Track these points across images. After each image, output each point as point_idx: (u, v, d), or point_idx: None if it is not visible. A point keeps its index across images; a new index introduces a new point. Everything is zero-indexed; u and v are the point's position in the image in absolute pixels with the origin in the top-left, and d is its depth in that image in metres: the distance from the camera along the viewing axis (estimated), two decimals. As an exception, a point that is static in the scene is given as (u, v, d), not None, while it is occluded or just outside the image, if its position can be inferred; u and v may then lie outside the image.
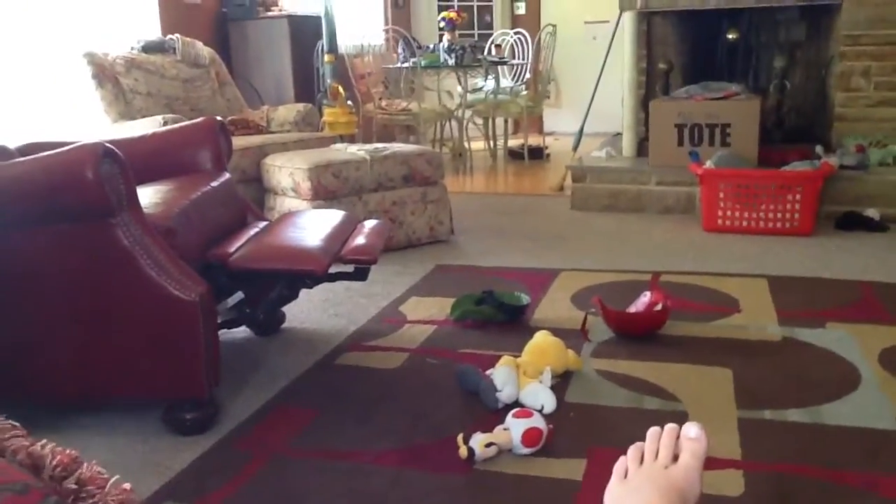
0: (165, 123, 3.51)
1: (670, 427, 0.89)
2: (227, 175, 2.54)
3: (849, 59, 4.28)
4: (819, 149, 4.21)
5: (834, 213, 3.91)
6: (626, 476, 0.86)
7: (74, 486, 0.73)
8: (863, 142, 4.19)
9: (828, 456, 1.73)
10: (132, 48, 4.34)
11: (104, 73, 3.98)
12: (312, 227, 2.28)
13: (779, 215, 3.73)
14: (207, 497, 1.65)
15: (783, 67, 4.97)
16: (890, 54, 4.21)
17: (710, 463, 1.66)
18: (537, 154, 6.50)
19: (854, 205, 3.93)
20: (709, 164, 3.94)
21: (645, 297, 2.54)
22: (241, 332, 2.62)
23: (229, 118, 4.23)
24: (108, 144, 1.87)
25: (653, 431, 0.91)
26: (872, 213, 3.86)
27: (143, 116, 3.93)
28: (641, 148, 4.73)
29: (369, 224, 2.42)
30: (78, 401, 2.09)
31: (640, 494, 0.83)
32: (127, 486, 0.75)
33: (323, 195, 3.39)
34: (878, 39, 4.21)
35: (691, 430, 0.88)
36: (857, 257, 3.34)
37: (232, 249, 2.11)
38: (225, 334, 2.60)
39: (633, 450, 0.90)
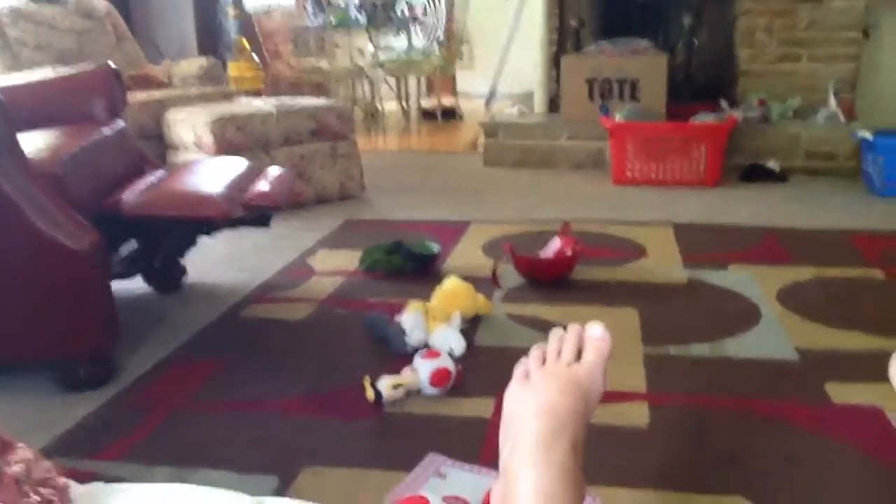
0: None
1: (573, 326, 0.88)
2: (122, 123, 2.41)
3: (753, 15, 4.37)
4: (724, 103, 4.30)
5: (739, 166, 4.01)
6: (527, 378, 0.84)
7: None
8: (765, 96, 4.30)
9: (732, 387, 1.77)
10: (19, -2, 4.08)
11: (-12, 23, 3.73)
12: (213, 173, 2.19)
13: (685, 167, 3.80)
14: (101, 452, 1.57)
15: (691, 25, 5.04)
16: (791, 11, 4.31)
17: (616, 396, 1.69)
18: (450, 115, 6.46)
19: (757, 157, 4.04)
20: (618, 117, 3.98)
21: (554, 244, 2.55)
22: (141, 287, 2.51)
23: (129, 73, 4.04)
24: (-18, 83, 1.74)
25: (555, 332, 0.89)
26: (774, 164, 3.98)
27: (31, 69, 3.70)
28: (553, 105, 4.74)
29: (273, 171, 2.34)
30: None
31: (540, 393, 0.81)
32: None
33: (227, 149, 3.27)
34: (782, -5, 4.31)
35: (595, 329, 0.87)
36: (759, 206, 3.44)
37: (126, 197, 2.01)
38: (123, 291, 2.49)
39: (535, 350, 0.87)
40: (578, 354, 0.85)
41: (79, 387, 1.84)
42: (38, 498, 0.59)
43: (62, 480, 0.64)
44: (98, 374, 1.86)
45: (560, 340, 0.87)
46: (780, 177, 3.90)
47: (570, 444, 0.77)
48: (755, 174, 3.93)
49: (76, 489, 0.66)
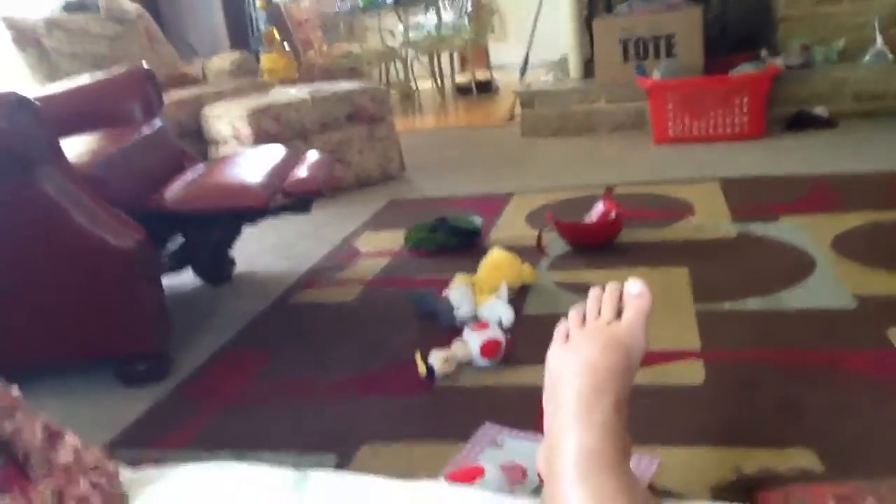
0: (94, 81, 3.37)
1: (612, 285, 0.86)
2: (160, 123, 2.45)
3: (789, -42, 4.23)
4: (764, 52, 4.18)
5: (784, 115, 3.90)
6: (567, 339, 0.83)
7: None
8: (807, 41, 4.17)
9: (788, 338, 1.73)
10: (52, 9, 4.15)
11: (25, 36, 3.81)
12: (251, 163, 2.21)
13: (728, 120, 3.72)
14: (164, 441, 1.61)
15: (724, -25, 4.90)
16: (829, -50, 4.17)
17: (671, 355, 1.67)
18: (486, 88, 6.41)
19: (803, 104, 3.92)
20: (655, 75, 3.90)
21: (598, 208, 2.52)
22: (193, 282, 2.55)
23: (163, 73, 4.09)
24: (21, 94, 1.77)
25: (594, 291, 0.87)
26: (821, 110, 3.86)
27: (70, 78, 3.77)
28: (588, 69, 4.67)
29: (312, 156, 2.35)
30: (26, 369, 1.99)
31: (581, 353, 0.79)
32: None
33: (265, 140, 3.29)
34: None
35: (634, 286, 0.85)
36: (807, 154, 3.34)
37: (168, 194, 2.03)
38: (176, 286, 2.54)
39: (574, 311, 0.86)
40: (619, 313, 0.84)
41: (138, 382, 1.88)
42: (87, 483, 0.60)
43: (112, 465, 0.65)
44: (155, 368, 1.90)
45: (598, 300, 0.86)
46: (828, 123, 3.79)
47: (613, 403, 0.75)
48: (802, 122, 3.82)
49: (127, 474, 0.67)
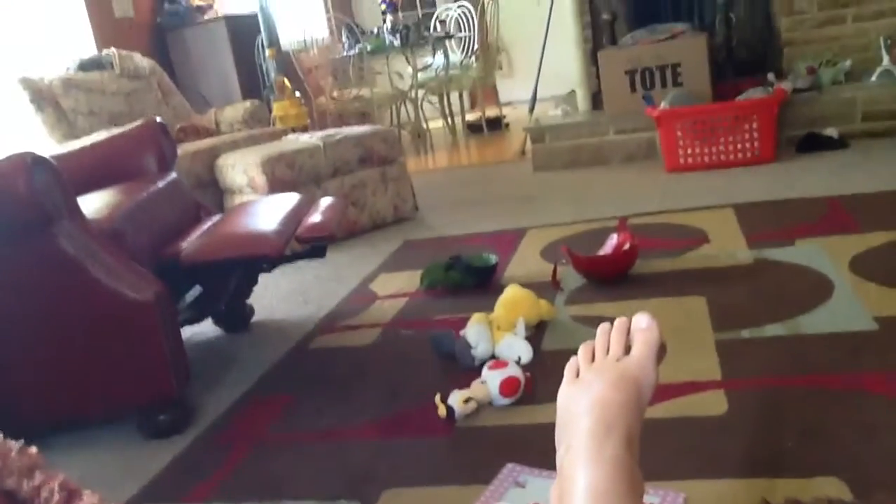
0: (110, 137, 3.43)
1: (620, 320, 0.86)
2: (174, 175, 2.48)
3: (789, -18, 4.27)
4: (771, 76, 4.20)
5: (794, 138, 3.90)
6: (577, 376, 0.83)
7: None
8: (813, 63, 4.18)
9: (810, 364, 1.71)
10: (68, 68, 4.24)
11: (42, 96, 3.89)
12: (265, 212, 2.23)
13: (738, 146, 3.72)
14: (189, 494, 1.61)
15: (726, 1, 4.95)
16: (829, -28, 4.20)
17: (691, 387, 1.66)
18: (496, 125, 6.46)
19: (812, 126, 3.92)
20: (663, 105, 3.92)
21: (612, 240, 2.52)
22: (212, 331, 2.57)
23: (178, 126, 4.16)
24: (37, 153, 1.81)
25: (603, 327, 0.87)
26: (831, 131, 3.86)
27: (88, 136, 3.84)
28: (596, 101, 4.70)
29: (324, 202, 2.37)
30: (48, 425, 2.00)
31: (591, 390, 0.79)
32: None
33: (279, 187, 3.33)
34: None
35: (642, 320, 0.85)
36: (820, 175, 3.33)
37: (184, 245, 2.06)
38: (196, 334, 2.56)
39: (583, 348, 0.86)
40: (629, 349, 0.84)
41: (160, 433, 1.89)
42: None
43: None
44: (177, 419, 1.91)
45: (607, 335, 0.86)
46: (839, 144, 3.78)
47: (624, 439, 0.75)
48: (812, 144, 3.82)
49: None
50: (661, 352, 0.88)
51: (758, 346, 1.84)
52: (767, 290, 2.17)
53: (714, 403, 1.60)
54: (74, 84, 4.06)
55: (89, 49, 4.74)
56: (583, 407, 0.78)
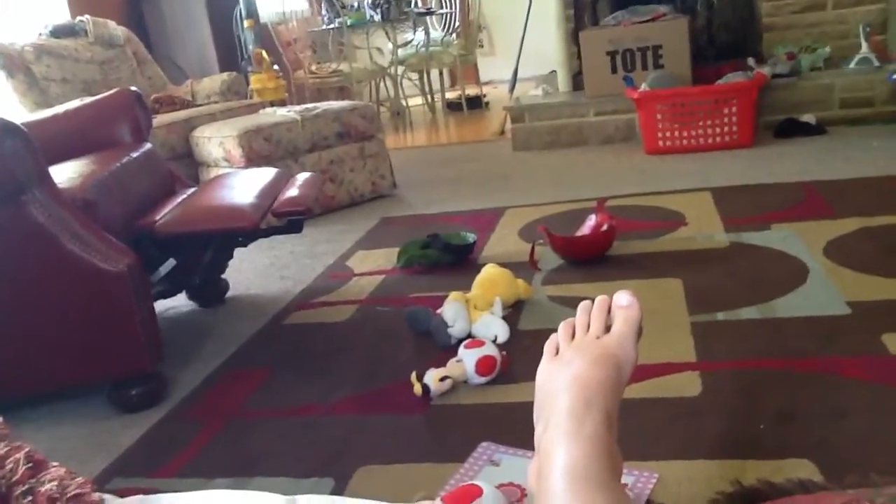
0: (83, 106, 3.36)
1: (601, 298, 0.86)
2: (149, 145, 2.44)
3: (771, -34, 4.27)
4: (751, 60, 4.21)
5: (773, 123, 3.92)
6: (557, 353, 0.82)
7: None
8: (793, 49, 4.19)
9: (784, 347, 1.73)
10: (40, 34, 4.15)
11: (13, 62, 3.81)
12: (241, 185, 2.20)
13: (717, 130, 3.73)
14: (160, 469, 1.59)
15: (708, -15, 4.94)
16: (811, -43, 4.20)
17: (666, 368, 1.66)
18: (476, 103, 6.43)
19: (791, 112, 3.94)
20: (643, 86, 3.91)
21: (590, 221, 2.52)
22: (186, 305, 2.54)
23: (153, 96, 4.09)
24: (7, 119, 1.77)
25: (584, 305, 0.87)
26: (809, 117, 3.88)
27: (61, 104, 3.76)
28: (577, 81, 4.69)
29: (301, 177, 2.35)
30: (18, 396, 1.98)
31: (570, 367, 0.79)
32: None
33: (256, 161, 3.29)
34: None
35: (623, 298, 0.85)
36: (797, 161, 3.35)
37: (158, 217, 2.03)
38: (169, 309, 2.53)
39: (563, 325, 0.86)
40: (609, 327, 0.83)
41: (133, 407, 1.86)
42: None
43: (97, 496, 0.64)
44: (150, 393, 1.89)
45: (588, 313, 0.85)
46: (817, 129, 3.80)
47: (603, 416, 0.75)
48: (790, 129, 3.84)
49: (113, 503, 0.66)
50: (639, 331, 0.88)
51: (733, 329, 1.85)
52: (743, 273, 2.18)
53: (688, 385, 1.60)
54: (46, 50, 3.98)
55: (62, 15, 4.63)
56: (562, 384, 0.78)
